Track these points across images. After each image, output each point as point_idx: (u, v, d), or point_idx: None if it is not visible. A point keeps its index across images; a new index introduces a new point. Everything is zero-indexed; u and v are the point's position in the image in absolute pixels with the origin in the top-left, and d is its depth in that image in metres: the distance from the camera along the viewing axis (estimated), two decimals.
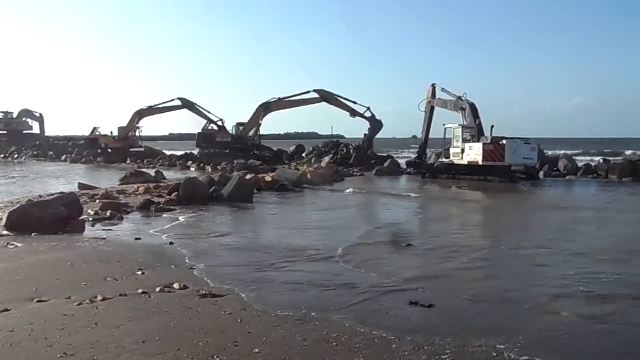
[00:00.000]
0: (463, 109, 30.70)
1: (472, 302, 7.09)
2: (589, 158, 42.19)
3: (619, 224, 14.74)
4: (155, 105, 49.41)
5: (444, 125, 32.00)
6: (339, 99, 40.72)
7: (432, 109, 33.57)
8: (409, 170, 34.21)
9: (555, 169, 33.33)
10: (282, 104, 43.13)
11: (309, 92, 41.73)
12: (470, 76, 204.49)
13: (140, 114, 50.17)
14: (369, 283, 7.87)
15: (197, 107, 47.27)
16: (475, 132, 29.78)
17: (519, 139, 29.12)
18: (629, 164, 30.69)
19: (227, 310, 6.35)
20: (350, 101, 40.47)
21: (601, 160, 34.51)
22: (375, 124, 40.14)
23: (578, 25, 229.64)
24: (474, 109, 30.36)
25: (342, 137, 61.44)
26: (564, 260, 9.83)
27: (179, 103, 47.85)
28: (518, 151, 28.40)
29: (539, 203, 21.09)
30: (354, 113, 40.42)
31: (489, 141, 28.59)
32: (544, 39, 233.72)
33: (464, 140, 29.93)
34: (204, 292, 7.04)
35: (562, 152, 43.96)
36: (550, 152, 39.51)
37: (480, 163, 28.59)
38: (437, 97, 33.31)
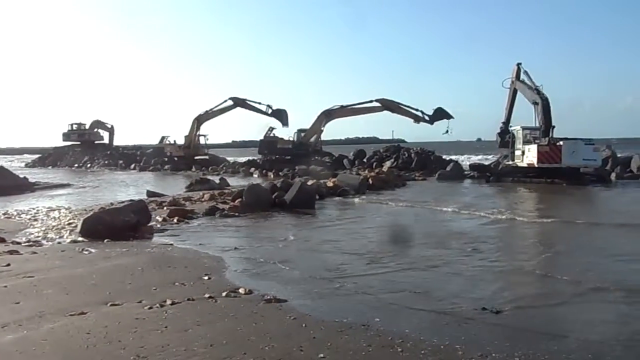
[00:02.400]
0: (536, 103, 29.13)
1: None
2: None
3: None
4: (211, 109, 50.57)
5: (510, 126, 31.23)
6: (401, 106, 40.53)
7: (515, 90, 32.37)
8: (472, 174, 33.47)
9: (628, 169, 31.84)
10: (343, 111, 43.44)
11: (371, 101, 41.86)
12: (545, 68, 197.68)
13: (199, 120, 51.35)
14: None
15: (248, 102, 48.49)
16: (539, 132, 28.83)
17: (580, 139, 28.03)
18: None
19: (291, 315, 6.40)
20: (412, 108, 40.26)
21: None
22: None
23: None
24: (546, 105, 28.82)
25: (403, 142, 60.82)
26: None
27: (231, 103, 49.00)
28: (577, 152, 27.35)
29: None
30: (417, 119, 40.13)
31: (545, 142, 27.75)
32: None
33: (525, 142, 29.10)
34: (268, 297, 7.13)
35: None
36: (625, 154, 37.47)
37: (536, 165, 27.85)
38: (521, 78, 31.55)
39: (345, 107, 43.11)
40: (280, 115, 47.39)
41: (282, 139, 46.32)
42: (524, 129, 29.75)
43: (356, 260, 9.96)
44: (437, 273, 8.91)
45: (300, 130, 46.33)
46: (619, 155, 33.90)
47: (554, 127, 28.57)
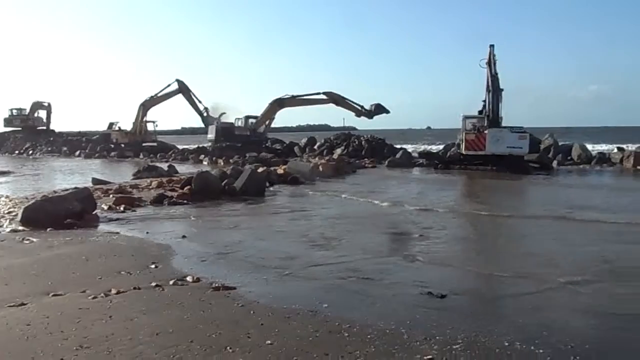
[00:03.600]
0: (488, 91, 29.49)
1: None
2: (605, 147, 41.44)
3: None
4: (156, 94, 49.76)
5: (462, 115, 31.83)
6: (346, 100, 41.84)
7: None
8: (421, 161, 34.06)
9: (569, 158, 33.07)
10: (294, 101, 44.15)
11: (319, 93, 42.88)
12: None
13: (145, 106, 50.39)
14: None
15: (191, 94, 48.63)
16: (484, 121, 29.37)
17: (508, 127, 28.76)
18: None
19: (239, 302, 6.39)
20: (355, 103, 42.14)
21: (615, 149, 34.15)
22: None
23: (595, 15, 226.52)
24: (496, 94, 29.21)
25: (354, 129, 61.17)
26: None
27: (176, 87, 48.63)
28: (501, 140, 28.22)
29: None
30: (358, 113, 41.91)
31: (473, 131, 29.05)
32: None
33: (466, 131, 29.85)
34: (217, 285, 7.09)
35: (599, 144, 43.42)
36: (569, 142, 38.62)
37: (463, 152, 29.34)
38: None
39: (295, 97, 43.59)
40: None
41: (238, 126, 46.02)
42: (466, 117, 30.34)
43: (305, 247, 10.00)
44: (384, 260, 9.01)
45: (248, 117, 46.04)
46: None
47: (501, 117, 29.19)
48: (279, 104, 44.19)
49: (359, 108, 41.62)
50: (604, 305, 6.54)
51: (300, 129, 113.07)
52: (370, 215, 14.27)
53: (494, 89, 29.02)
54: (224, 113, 47.57)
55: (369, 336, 5.34)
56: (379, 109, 41.62)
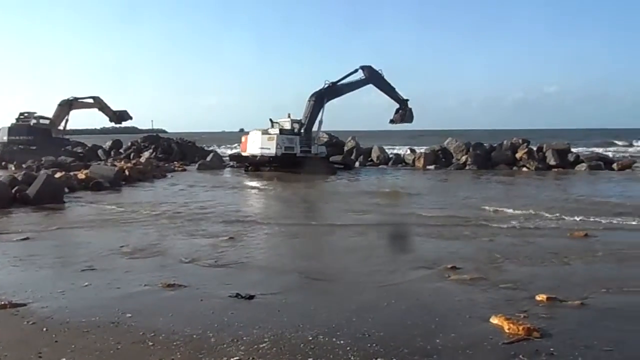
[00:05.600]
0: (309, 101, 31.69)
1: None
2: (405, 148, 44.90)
3: None
4: None
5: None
6: (106, 107, 42.27)
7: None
8: (231, 164, 34.24)
9: (369, 159, 35.69)
10: (78, 104, 43.13)
11: (87, 97, 43.26)
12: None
13: None
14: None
15: None
16: (299, 125, 31.20)
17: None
18: (431, 153, 33.86)
19: (30, 319, 5.84)
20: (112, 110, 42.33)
21: (408, 150, 37.61)
22: None
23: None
24: (314, 103, 31.29)
25: (164, 132, 59.57)
26: None
27: None
28: (256, 142, 30.62)
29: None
30: (111, 119, 43.73)
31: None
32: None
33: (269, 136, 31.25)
34: (3, 303, 6.39)
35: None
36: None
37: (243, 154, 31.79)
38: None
39: (78, 99, 42.90)
40: None
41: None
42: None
43: (105, 255, 9.45)
44: (191, 266, 8.86)
45: (39, 117, 41.76)
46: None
47: (270, 119, 31.71)
48: (69, 105, 42.55)
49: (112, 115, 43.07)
50: (393, 297, 7.14)
51: (105, 131, 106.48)
52: (175, 225, 13.91)
53: (316, 97, 30.66)
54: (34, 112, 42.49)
55: (174, 343, 5.21)
56: (122, 116, 43.72)
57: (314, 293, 7.32)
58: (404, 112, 33.99)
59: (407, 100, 34.08)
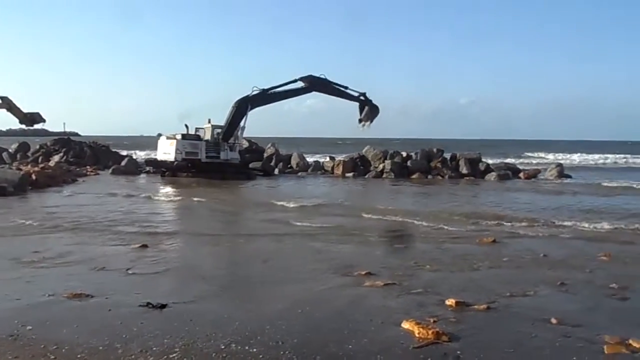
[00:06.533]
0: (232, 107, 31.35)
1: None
2: (324, 156, 45.24)
3: None
4: None
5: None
6: (14, 107, 39.40)
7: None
8: (147, 169, 33.30)
9: (289, 165, 35.71)
10: None
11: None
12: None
13: None
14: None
15: None
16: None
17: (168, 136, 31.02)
18: (350, 161, 34.32)
19: None
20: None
21: (328, 158, 37.92)
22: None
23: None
24: (239, 106, 30.97)
25: (77, 135, 57.07)
26: None
27: None
28: (161, 147, 31.14)
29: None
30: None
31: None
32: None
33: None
34: None
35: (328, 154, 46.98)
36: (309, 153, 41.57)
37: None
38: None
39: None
40: None
41: None
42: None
43: (4, 265, 8.94)
44: (101, 274, 8.53)
45: None
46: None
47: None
48: None
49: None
50: (307, 305, 7.16)
51: (11, 133, 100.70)
52: (83, 232, 13.34)
53: (239, 103, 30.73)
54: None
55: (78, 356, 5.00)
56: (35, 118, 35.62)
57: (227, 301, 7.21)
58: (368, 108, 32.85)
59: (364, 93, 32.98)
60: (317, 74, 32.03)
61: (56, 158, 35.91)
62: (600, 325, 6.32)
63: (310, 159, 38.54)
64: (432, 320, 6.25)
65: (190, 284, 8.04)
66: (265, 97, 31.55)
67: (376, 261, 9.73)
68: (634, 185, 26.28)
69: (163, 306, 6.66)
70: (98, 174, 31.61)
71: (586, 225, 14.08)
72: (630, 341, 5.67)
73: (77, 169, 31.80)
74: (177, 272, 8.86)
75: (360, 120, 33.04)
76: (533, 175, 32.68)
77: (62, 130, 74.16)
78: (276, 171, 33.99)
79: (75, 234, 12.14)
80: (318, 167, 35.55)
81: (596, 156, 58.59)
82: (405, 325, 6.04)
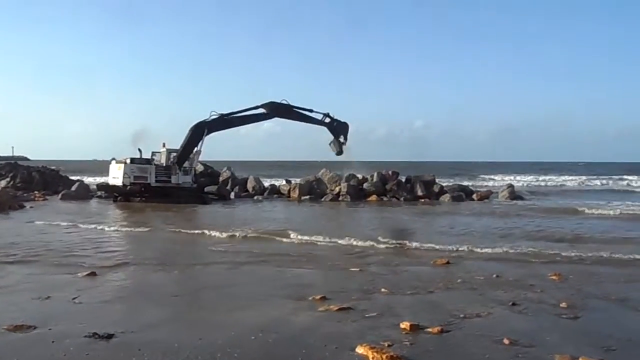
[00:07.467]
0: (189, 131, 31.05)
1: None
2: (280, 180, 44.89)
3: None
4: None
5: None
6: None
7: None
8: (99, 194, 32.49)
9: (245, 189, 35.35)
10: None
11: None
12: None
13: None
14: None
15: None
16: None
17: (119, 160, 30.43)
18: (306, 184, 34.21)
19: None
20: None
21: (284, 181, 37.77)
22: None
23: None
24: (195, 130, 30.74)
25: (26, 159, 55.44)
26: None
27: None
28: (111, 172, 30.68)
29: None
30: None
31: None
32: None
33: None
34: None
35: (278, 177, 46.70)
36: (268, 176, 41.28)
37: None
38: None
39: None
40: None
41: None
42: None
43: None
44: (39, 303, 8.22)
45: None
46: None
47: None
48: None
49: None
50: (260, 331, 7.03)
51: None
52: (26, 260, 12.85)
53: (195, 127, 30.50)
54: None
55: None
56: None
57: (178, 330, 6.99)
58: (336, 128, 33.04)
59: (328, 114, 32.93)
60: (278, 100, 32.11)
61: (2, 183, 34.72)
62: (551, 344, 6.42)
63: (266, 182, 38.30)
64: (386, 344, 6.22)
65: (139, 312, 7.80)
66: (224, 122, 31.41)
67: (331, 285, 9.66)
68: (578, 208, 26.58)
69: (110, 336, 6.43)
70: (46, 199, 30.61)
71: (478, 249, 13.72)
72: (581, 359, 5.76)
73: (25, 195, 30.80)
74: (126, 301, 8.58)
75: (331, 143, 33.35)
76: (486, 196, 33.22)
77: (11, 154, 72.11)
78: (232, 195, 33.56)
79: (16, 260, 11.69)
80: (274, 191, 35.33)
81: (551, 177, 60.45)
82: (360, 350, 5.98)
